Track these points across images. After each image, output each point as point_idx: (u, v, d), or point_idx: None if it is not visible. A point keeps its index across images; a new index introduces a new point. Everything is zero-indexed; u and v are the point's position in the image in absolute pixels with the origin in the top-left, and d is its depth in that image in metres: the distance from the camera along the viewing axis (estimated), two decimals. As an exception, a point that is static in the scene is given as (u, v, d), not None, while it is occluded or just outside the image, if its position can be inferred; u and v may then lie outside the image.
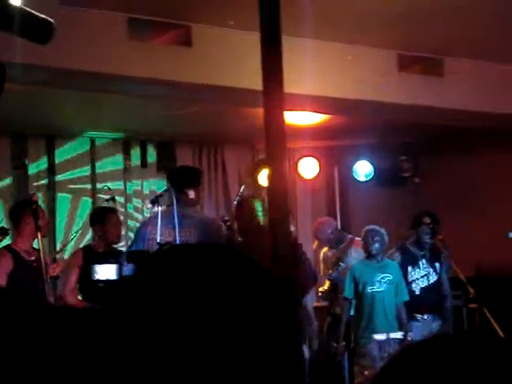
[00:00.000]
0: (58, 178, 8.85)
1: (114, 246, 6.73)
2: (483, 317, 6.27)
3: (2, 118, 7.09)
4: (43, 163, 8.80)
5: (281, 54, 2.23)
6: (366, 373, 6.43)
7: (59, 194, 8.83)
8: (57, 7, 5.47)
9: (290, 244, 2.58)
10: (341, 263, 7.19)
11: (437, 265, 7.10)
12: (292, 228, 6.80)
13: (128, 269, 5.55)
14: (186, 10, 6.08)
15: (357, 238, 7.26)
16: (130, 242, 8.49)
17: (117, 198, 8.09)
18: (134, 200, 9.27)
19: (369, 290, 6.74)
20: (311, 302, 7.24)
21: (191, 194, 5.79)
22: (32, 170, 8.73)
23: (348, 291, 6.80)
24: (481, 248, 8.42)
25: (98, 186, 8.91)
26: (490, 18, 6.35)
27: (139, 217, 9.12)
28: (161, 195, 5.69)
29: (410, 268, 7.03)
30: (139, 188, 9.29)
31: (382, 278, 6.78)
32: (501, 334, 5.83)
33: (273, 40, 2.27)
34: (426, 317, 6.97)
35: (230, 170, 9.83)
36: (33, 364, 1.10)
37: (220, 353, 0.97)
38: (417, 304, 6.90)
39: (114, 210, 6.85)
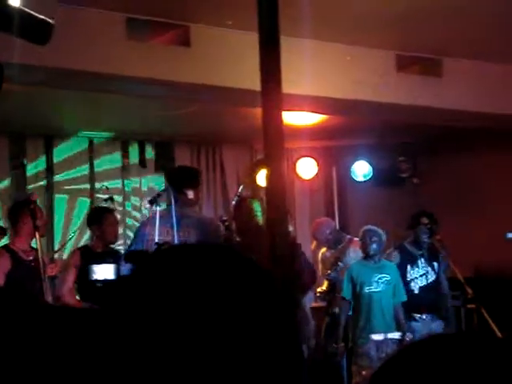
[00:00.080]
0: (57, 178, 8.85)
1: (112, 245, 6.74)
2: (481, 317, 6.27)
3: (0, 118, 7.09)
4: (42, 163, 8.80)
5: (279, 55, 2.23)
6: (364, 373, 6.44)
7: (57, 195, 8.83)
8: (55, 6, 5.47)
9: (289, 244, 2.58)
10: (339, 263, 7.20)
11: (435, 264, 7.11)
12: (290, 228, 6.81)
13: (126, 269, 5.56)
14: (185, 10, 6.08)
15: (355, 239, 7.26)
16: (129, 241, 8.53)
17: (115, 196, 8.09)
18: (133, 198, 9.27)
19: (366, 290, 6.74)
20: (309, 302, 7.24)
21: (190, 194, 5.79)
22: (30, 169, 8.73)
23: (346, 291, 6.81)
24: (479, 248, 8.43)
25: (97, 185, 8.91)
26: (489, 19, 6.35)
27: (137, 215, 9.13)
28: (159, 195, 5.70)
29: (408, 267, 7.04)
30: (137, 185, 9.29)
31: (380, 278, 6.79)
32: (499, 334, 5.83)
33: (271, 40, 2.27)
34: (424, 317, 6.97)
35: (228, 169, 9.83)
36: (30, 364, 1.10)
37: (218, 352, 0.97)
38: (416, 303, 6.90)
39: (111, 210, 6.86)
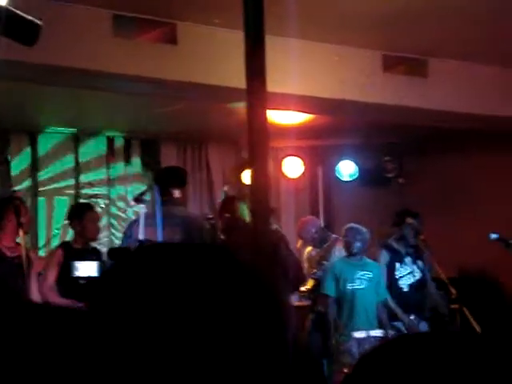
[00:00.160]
0: (41, 174, 8.82)
1: (92, 243, 6.68)
2: (464, 317, 6.30)
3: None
4: (26, 158, 8.76)
5: (264, 54, 2.24)
6: (346, 370, 6.46)
7: (41, 190, 8.80)
8: (44, 2, 5.46)
9: (272, 242, 2.59)
10: (324, 262, 7.22)
11: (419, 263, 7.13)
12: (275, 226, 6.82)
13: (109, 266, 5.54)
14: (172, 7, 6.07)
15: (341, 238, 7.29)
16: (113, 230, 8.56)
17: (99, 188, 8.10)
18: (118, 187, 9.26)
19: (349, 287, 6.78)
20: (293, 300, 7.26)
21: (176, 193, 5.80)
22: (15, 166, 8.70)
23: (329, 289, 6.83)
24: (464, 249, 8.46)
25: (82, 178, 8.92)
26: (474, 20, 6.38)
27: (121, 205, 9.12)
28: (144, 193, 5.69)
29: (397, 265, 7.07)
30: (122, 172, 9.30)
31: (362, 275, 6.83)
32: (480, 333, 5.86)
33: (256, 39, 2.28)
34: (412, 317, 6.99)
35: (214, 168, 9.83)
36: (11, 363, 1.09)
37: (199, 348, 0.97)
38: (404, 302, 6.92)
39: (92, 207, 6.83)
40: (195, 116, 8.25)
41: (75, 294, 5.91)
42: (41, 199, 8.76)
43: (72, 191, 8.93)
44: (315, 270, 7.25)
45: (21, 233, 5.87)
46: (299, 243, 8.01)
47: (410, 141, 9.38)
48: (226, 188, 7.36)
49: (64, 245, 6.58)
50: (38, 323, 1.18)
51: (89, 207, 6.76)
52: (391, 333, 6.63)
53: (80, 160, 9.06)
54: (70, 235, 6.97)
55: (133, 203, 5.79)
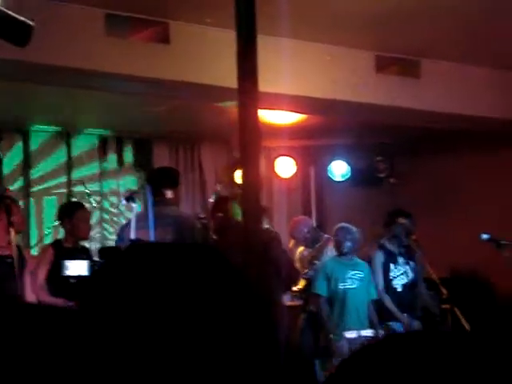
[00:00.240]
0: (33, 173, 8.80)
1: (83, 242, 6.67)
2: (455, 317, 6.31)
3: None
4: (17, 156, 8.74)
5: (256, 53, 2.24)
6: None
7: (33, 188, 8.79)
8: (37, 2, 5.46)
9: (263, 240, 2.59)
10: (316, 262, 7.23)
11: (411, 263, 7.15)
12: (266, 225, 6.83)
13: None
14: (164, 7, 6.07)
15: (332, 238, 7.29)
16: (105, 225, 8.56)
17: (91, 184, 8.11)
18: (110, 181, 9.26)
19: (341, 286, 6.78)
20: (285, 300, 7.26)
21: (168, 193, 5.80)
22: (6, 164, 8.68)
23: (321, 288, 6.83)
24: (455, 249, 8.48)
25: (73, 177, 8.92)
26: (466, 21, 6.39)
27: (114, 200, 9.12)
28: (136, 192, 5.69)
29: (391, 265, 7.07)
30: (115, 186, 9.30)
31: (354, 274, 6.84)
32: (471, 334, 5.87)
33: (248, 39, 2.28)
34: (405, 316, 7.00)
35: (206, 168, 9.83)
36: (6, 364, 1.09)
37: (188, 348, 0.98)
38: (398, 302, 6.93)
39: (83, 206, 6.81)
40: (188, 116, 8.25)
41: (65, 293, 5.90)
42: (32, 198, 8.75)
43: (64, 190, 8.92)
44: (307, 270, 7.25)
45: (12, 232, 5.86)
46: (291, 243, 8.01)
47: (401, 141, 9.39)
48: (218, 187, 7.36)
49: (55, 243, 6.55)
50: (29, 323, 1.18)
51: (79, 206, 6.74)
52: (381, 333, 6.64)
53: (72, 159, 9.05)
54: (61, 234, 6.95)
55: (124, 202, 5.77)
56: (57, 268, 6.21)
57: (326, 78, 7.03)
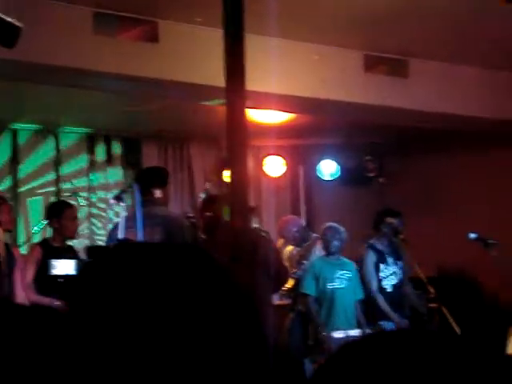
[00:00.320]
0: (21, 172, 8.78)
1: (70, 241, 6.66)
2: (443, 316, 6.33)
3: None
4: (4, 155, 8.72)
5: (243, 52, 2.24)
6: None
7: (21, 188, 8.76)
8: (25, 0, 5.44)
9: (251, 239, 2.59)
10: (304, 261, 7.23)
11: (399, 263, 7.16)
12: (256, 225, 6.83)
13: None
14: (153, 5, 6.06)
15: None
16: (94, 228, 8.52)
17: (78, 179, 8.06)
18: (97, 174, 9.26)
19: (329, 286, 6.79)
20: (274, 299, 7.26)
21: (157, 193, 5.79)
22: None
23: (309, 288, 6.83)
24: (443, 248, 8.51)
25: (62, 174, 8.90)
26: (454, 21, 6.41)
27: (102, 194, 9.11)
28: (124, 191, 5.67)
29: (382, 266, 7.07)
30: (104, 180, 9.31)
31: (342, 274, 6.85)
32: (459, 333, 5.89)
33: (236, 37, 2.28)
34: (397, 316, 7.01)
35: (195, 166, 9.82)
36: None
37: (172, 346, 0.97)
38: (389, 302, 6.94)
39: (71, 205, 6.79)
40: (177, 115, 8.24)
41: (53, 292, 5.89)
42: (20, 197, 8.73)
43: (52, 189, 8.90)
44: (295, 270, 7.26)
45: (0, 230, 5.84)
46: (280, 242, 8.02)
47: (390, 141, 9.41)
48: (207, 186, 7.36)
49: (42, 243, 6.54)
50: (17, 325, 1.18)
51: (67, 205, 6.72)
52: (368, 332, 6.64)
53: (60, 158, 9.03)
54: (49, 233, 6.94)
55: (113, 201, 5.75)
56: (44, 267, 6.19)
57: (315, 77, 7.03)
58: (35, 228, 7.66)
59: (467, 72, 7.70)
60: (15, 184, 8.76)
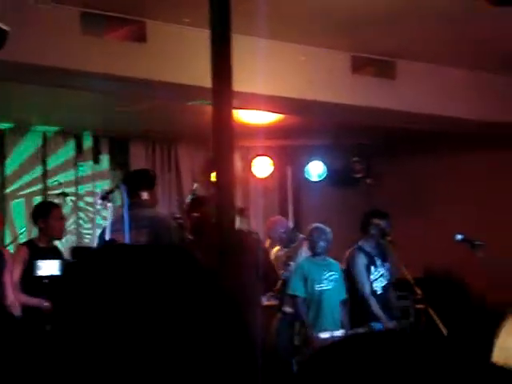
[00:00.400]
0: (7, 173, 8.76)
1: (57, 241, 6.64)
2: (429, 317, 6.35)
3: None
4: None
5: (230, 52, 2.23)
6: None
7: (7, 190, 8.74)
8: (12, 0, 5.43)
9: (238, 240, 2.59)
10: (291, 262, 7.24)
11: (386, 264, 7.17)
12: (246, 225, 6.83)
13: None
14: (141, 5, 6.05)
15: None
16: (81, 222, 8.49)
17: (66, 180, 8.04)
18: (85, 182, 9.24)
19: (317, 288, 6.80)
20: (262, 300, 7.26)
21: (144, 195, 5.79)
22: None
23: (298, 289, 6.83)
24: (430, 249, 8.53)
25: (49, 181, 8.87)
26: (441, 23, 6.43)
27: (90, 200, 9.09)
28: (111, 191, 5.66)
29: (372, 268, 7.07)
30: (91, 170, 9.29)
31: (329, 275, 6.86)
32: (445, 333, 5.91)
33: (222, 38, 2.27)
34: (386, 318, 7.01)
35: (183, 167, 9.82)
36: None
37: (153, 345, 0.97)
38: (379, 303, 6.94)
39: (57, 205, 6.78)
40: (165, 115, 8.24)
41: (39, 293, 5.87)
42: (7, 198, 8.71)
43: (38, 186, 8.89)
44: (282, 271, 7.26)
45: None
46: (267, 243, 8.03)
47: (378, 142, 9.44)
48: (194, 187, 7.35)
49: (28, 243, 6.52)
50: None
51: (54, 206, 6.71)
52: (351, 332, 6.65)
53: (48, 159, 9.01)
54: (34, 234, 6.92)
55: (99, 201, 5.74)
56: (29, 268, 6.18)
57: (302, 78, 7.04)
58: (22, 230, 7.65)
59: (454, 73, 7.73)
60: (2, 185, 8.73)
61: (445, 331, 6.00)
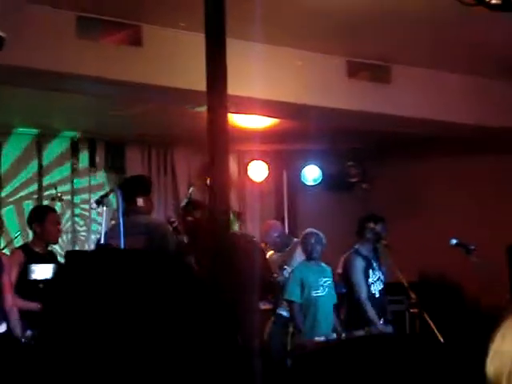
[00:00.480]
0: (4, 169, 8.76)
1: (53, 245, 6.63)
2: (424, 322, 6.35)
3: None
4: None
5: (225, 57, 2.24)
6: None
7: (3, 192, 8.74)
8: (8, 3, 5.44)
9: (231, 244, 2.59)
10: (285, 267, 7.24)
11: (383, 268, 7.17)
12: (243, 230, 6.83)
13: None
14: (137, 10, 6.06)
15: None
16: (77, 227, 8.49)
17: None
18: (80, 178, 9.25)
19: (313, 294, 6.79)
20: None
21: (140, 201, 5.79)
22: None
23: (295, 294, 6.81)
24: (425, 253, 8.54)
25: (45, 182, 8.87)
26: (436, 28, 6.45)
27: (85, 197, 9.09)
28: (106, 195, 5.65)
29: (370, 271, 7.06)
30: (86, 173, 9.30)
31: (325, 281, 6.86)
32: (440, 338, 5.91)
33: (217, 42, 2.28)
34: (381, 321, 7.01)
35: (179, 171, 9.81)
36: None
37: (143, 348, 0.98)
38: (377, 307, 6.93)
39: (53, 209, 6.77)
40: (160, 119, 8.24)
41: (34, 297, 5.85)
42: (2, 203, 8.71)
43: (33, 192, 8.88)
44: (276, 275, 7.26)
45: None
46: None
47: (373, 146, 9.45)
48: (190, 191, 7.36)
49: (23, 247, 6.50)
50: None
51: (50, 210, 6.70)
52: (344, 336, 6.64)
53: (43, 162, 9.01)
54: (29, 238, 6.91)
55: (94, 206, 5.74)
56: (24, 272, 6.16)
57: (298, 82, 7.05)
58: (16, 234, 7.64)
59: (449, 78, 7.75)
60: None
61: (439, 336, 6.00)
